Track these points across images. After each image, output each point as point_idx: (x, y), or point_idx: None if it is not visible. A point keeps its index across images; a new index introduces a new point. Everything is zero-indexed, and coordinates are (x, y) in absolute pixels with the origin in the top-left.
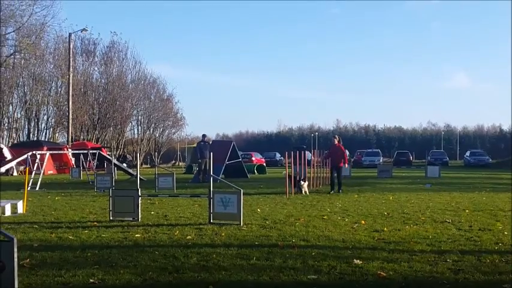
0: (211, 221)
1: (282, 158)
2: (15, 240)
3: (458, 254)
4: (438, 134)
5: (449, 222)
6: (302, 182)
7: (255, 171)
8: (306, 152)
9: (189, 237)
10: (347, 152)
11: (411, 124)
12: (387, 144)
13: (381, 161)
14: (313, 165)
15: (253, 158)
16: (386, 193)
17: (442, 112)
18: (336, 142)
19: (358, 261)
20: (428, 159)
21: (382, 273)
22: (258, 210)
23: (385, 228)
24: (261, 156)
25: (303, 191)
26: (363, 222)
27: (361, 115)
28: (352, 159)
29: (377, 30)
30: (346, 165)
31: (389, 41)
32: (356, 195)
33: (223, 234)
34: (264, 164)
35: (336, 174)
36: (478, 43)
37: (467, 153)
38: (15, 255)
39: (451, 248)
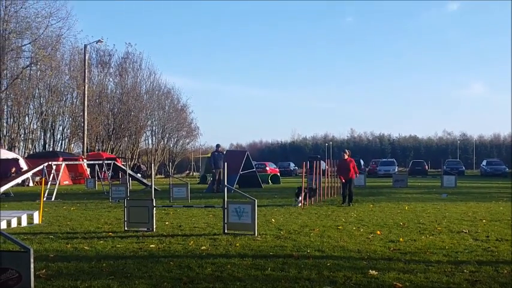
0: (226, 231)
1: (296, 167)
2: (31, 251)
3: (475, 265)
4: (454, 143)
5: (466, 233)
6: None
7: (269, 181)
8: (321, 162)
9: (203, 247)
10: (361, 161)
11: (426, 133)
12: (402, 154)
13: (396, 170)
14: (328, 174)
15: (267, 168)
16: (402, 203)
17: (458, 121)
18: (346, 157)
19: (374, 272)
20: (444, 168)
21: (398, 284)
22: (273, 220)
23: (401, 239)
24: (275, 166)
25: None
26: (378, 232)
27: (375, 124)
28: (367, 169)
29: (392, 40)
30: (357, 175)
31: (405, 50)
32: (371, 205)
33: (237, 244)
34: (278, 174)
35: (347, 187)
36: (494, 52)
37: (484, 163)
38: (32, 265)
39: (468, 258)
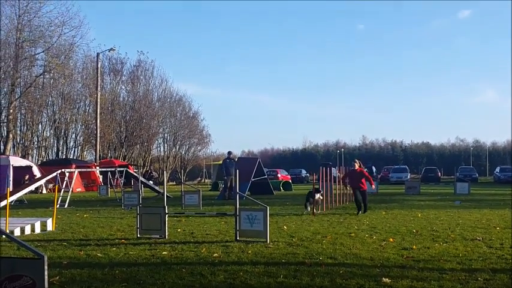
0: (238, 238)
1: (308, 174)
2: (45, 258)
3: (489, 273)
4: (467, 149)
5: (479, 240)
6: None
7: (281, 188)
8: (331, 169)
9: (215, 254)
10: (374, 168)
11: (439, 140)
12: (415, 161)
13: (408, 177)
14: (339, 181)
15: (279, 175)
16: (415, 210)
17: (471, 127)
18: (357, 167)
19: (387, 279)
20: (457, 175)
21: None
22: (285, 227)
23: (414, 246)
24: (287, 173)
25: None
26: (391, 239)
27: (387, 131)
28: (379, 176)
29: (404, 47)
30: (373, 186)
31: (417, 57)
32: (384, 212)
33: (249, 251)
34: (290, 181)
35: (360, 197)
36: (507, 58)
37: (497, 169)
38: (46, 272)
39: (482, 266)
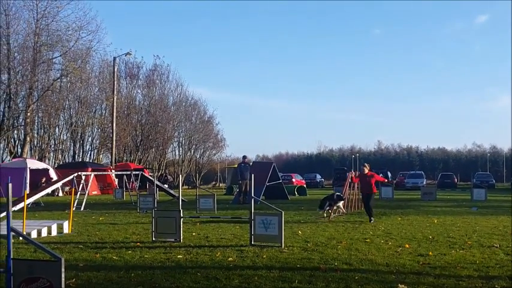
0: (253, 242)
1: (323, 179)
2: (62, 261)
3: (506, 280)
4: (484, 155)
5: (496, 247)
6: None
7: (296, 193)
8: (347, 174)
9: (230, 258)
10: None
11: (455, 145)
12: (431, 166)
13: (424, 183)
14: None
15: (294, 180)
16: (431, 216)
17: (488, 133)
18: (366, 171)
19: (403, 286)
20: (474, 181)
21: None
22: (299, 232)
23: (430, 253)
24: (301, 178)
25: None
26: (407, 246)
27: (403, 136)
28: (395, 181)
29: (420, 52)
30: (387, 180)
31: (433, 62)
32: (399, 218)
33: (264, 256)
34: (305, 186)
35: (367, 201)
36: None
37: None
38: (63, 275)
39: (499, 273)
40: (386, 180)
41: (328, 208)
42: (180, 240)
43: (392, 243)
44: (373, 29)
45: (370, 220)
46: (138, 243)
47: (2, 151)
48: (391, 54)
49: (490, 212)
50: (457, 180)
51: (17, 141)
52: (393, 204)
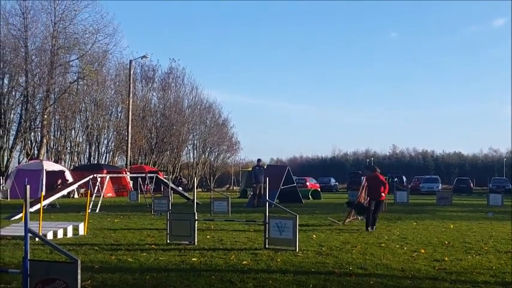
0: (267, 246)
1: (337, 183)
2: (78, 262)
3: None
4: (500, 160)
5: None
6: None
7: (310, 196)
8: (362, 178)
9: (244, 262)
10: (404, 178)
11: (471, 150)
12: (446, 171)
13: (439, 187)
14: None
15: (308, 183)
16: (447, 221)
17: (504, 138)
18: (375, 173)
19: None
20: (490, 186)
21: None
22: (314, 236)
23: (446, 258)
24: (316, 181)
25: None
26: (422, 251)
27: (418, 140)
28: (409, 186)
29: (436, 55)
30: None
31: (449, 66)
32: (414, 223)
33: (279, 260)
34: (319, 189)
35: (373, 208)
36: None
37: None
38: (79, 276)
39: None
40: (387, 188)
41: (350, 208)
42: (194, 243)
43: (407, 248)
44: (390, 32)
45: (372, 228)
46: (153, 246)
47: (19, 153)
48: (407, 58)
49: (506, 217)
50: (473, 185)
51: (34, 143)
52: (408, 208)
